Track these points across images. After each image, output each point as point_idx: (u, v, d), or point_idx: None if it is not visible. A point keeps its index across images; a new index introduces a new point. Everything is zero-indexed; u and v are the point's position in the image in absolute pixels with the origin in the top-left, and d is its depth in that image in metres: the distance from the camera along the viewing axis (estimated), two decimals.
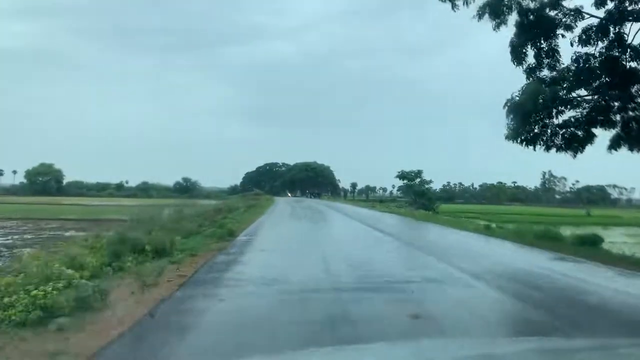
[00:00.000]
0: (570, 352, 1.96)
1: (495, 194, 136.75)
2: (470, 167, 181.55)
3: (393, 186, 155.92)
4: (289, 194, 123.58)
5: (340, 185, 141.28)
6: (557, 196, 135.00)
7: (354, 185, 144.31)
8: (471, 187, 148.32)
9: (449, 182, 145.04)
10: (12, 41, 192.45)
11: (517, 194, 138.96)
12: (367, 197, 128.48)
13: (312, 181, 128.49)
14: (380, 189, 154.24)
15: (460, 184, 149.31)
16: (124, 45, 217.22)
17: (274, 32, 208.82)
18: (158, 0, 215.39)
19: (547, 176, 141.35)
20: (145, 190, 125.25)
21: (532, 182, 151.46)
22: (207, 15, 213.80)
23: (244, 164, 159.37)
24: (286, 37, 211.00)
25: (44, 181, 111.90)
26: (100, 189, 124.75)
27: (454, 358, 1.82)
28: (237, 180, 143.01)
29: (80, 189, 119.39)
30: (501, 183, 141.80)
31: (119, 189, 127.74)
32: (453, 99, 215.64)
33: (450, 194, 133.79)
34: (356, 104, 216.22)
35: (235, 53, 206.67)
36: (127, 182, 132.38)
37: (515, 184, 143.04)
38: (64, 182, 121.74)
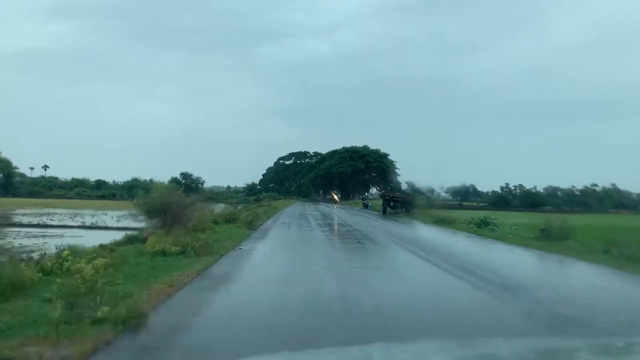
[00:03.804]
0: (568, 352, 2.04)
1: (599, 199, 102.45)
2: (535, 167, 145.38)
3: (441, 187, 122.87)
4: (335, 197, 77.67)
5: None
6: None
7: (411, 185, 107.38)
8: (533, 190, 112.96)
9: (507, 184, 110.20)
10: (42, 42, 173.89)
11: (622, 200, 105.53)
12: None
13: (360, 176, 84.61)
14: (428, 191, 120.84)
15: (521, 186, 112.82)
16: (150, 44, 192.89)
17: (307, 30, 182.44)
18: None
19: None
20: (130, 188, 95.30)
21: (628, 183, 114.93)
22: (238, 14, 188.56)
23: (270, 159, 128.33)
24: (320, 36, 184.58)
25: None
26: (71, 188, 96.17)
27: (453, 358, 1.91)
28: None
29: (49, 187, 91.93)
30: (595, 185, 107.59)
31: (98, 187, 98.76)
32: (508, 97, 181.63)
33: (532, 199, 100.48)
34: (394, 103, 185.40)
35: (268, 52, 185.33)
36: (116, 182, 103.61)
37: (614, 186, 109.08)
38: (29, 177, 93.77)
